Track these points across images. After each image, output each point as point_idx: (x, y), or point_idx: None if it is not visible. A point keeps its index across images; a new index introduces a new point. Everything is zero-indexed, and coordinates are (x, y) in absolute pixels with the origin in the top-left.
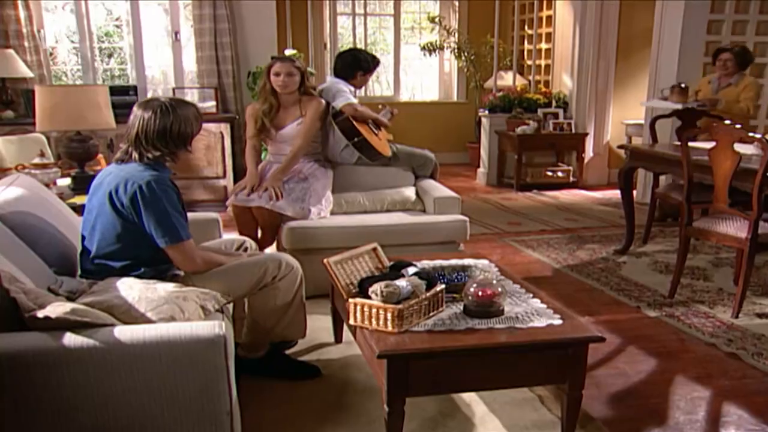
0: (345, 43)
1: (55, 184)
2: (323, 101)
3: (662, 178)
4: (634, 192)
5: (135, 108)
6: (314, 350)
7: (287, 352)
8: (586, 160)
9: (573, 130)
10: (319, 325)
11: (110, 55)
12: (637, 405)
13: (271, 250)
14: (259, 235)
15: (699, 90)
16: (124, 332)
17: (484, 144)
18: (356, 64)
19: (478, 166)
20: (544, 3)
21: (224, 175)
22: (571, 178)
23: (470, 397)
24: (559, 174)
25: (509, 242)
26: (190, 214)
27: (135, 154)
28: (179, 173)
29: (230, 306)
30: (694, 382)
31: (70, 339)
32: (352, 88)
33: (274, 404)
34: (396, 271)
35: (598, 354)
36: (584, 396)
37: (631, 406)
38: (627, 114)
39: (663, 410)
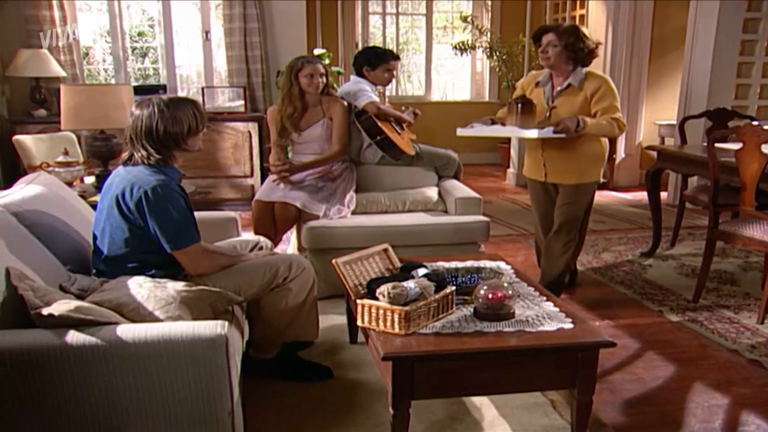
0: (377, 42)
1: (82, 181)
2: (345, 103)
3: (694, 179)
4: (665, 194)
5: (132, 107)
6: (329, 350)
7: (302, 352)
8: (617, 161)
9: None
10: (335, 325)
11: (144, 55)
12: (652, 412)
13: (292, 250)
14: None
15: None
16: (126, 331)
17: (513, 144)
18: (362, 60)
19: (508, 167)
20: (577, 2)
21: (251, 174)
22: (602, 180)
23: (481, 401)
24: None
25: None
26: (209, 213)
27: (135, 156)
28: (206, 171)
29: (244, 305)
30: (712, 389)
31: (73, 337)
32: (373, 86)
33: (283, 405)
34: (406, 272)
35: (615, 359)
36: (598, 401)
37: (644, 413)
38: (660, 114)
39: (678, 418)
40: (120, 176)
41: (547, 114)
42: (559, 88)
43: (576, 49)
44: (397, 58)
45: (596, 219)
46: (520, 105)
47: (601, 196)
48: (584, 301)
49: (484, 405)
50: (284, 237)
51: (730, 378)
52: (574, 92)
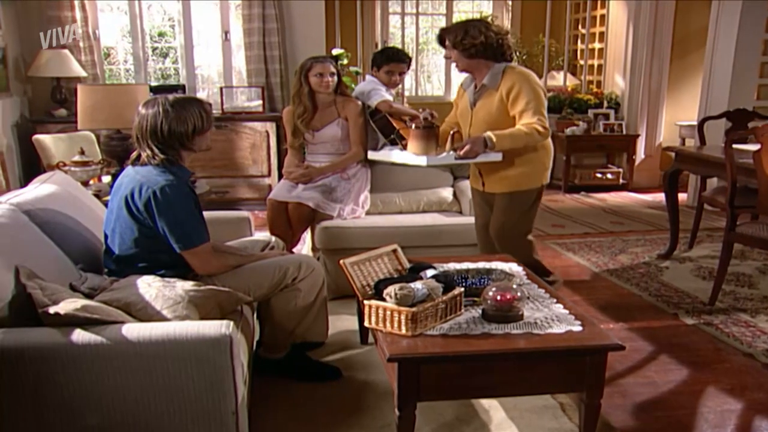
0: (396, 42)
1: (100, 180)
2: (359, 102)
3: (714, 180)
4: (684, 195)
5: (139, 107)
6: (339, 351)
7: (312, 352)
8: (636, 162)
9: (624, 132)
10: (346, 325)
11: (166, 55)
12: (663, 416)
13: (307, 250)
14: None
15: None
16: (131, 330)
17: None
18: (372, 60)
19: None
20: (598, 2)
21: (269, 174)
22: (621, 181)
23: (489, 403)
24: (609, 176)
25: (550, 245)
26: (222, 213)
27: (143, 155)
28: (223, 171)
29: (254, 305)
30: (726, 394)
31: (79, 335)
32: (385, 87)
33: (290, 405)
34: (415, 273)
35: (628, 362)
36: (608, 405)
37: (655, 418)
38: (681, 115)
39: (689, 423)
40: (129, 176)
41: (469, 120)
42: (479, 92)
43: (468, 47)
44: (401, 60)
45: (614, 220)
46: (420, 130)
47: (620, 198)
48: (598, 303)
49: (492, 407)
50: (302, 237)
51: (744, 382)
52: (491, 93)
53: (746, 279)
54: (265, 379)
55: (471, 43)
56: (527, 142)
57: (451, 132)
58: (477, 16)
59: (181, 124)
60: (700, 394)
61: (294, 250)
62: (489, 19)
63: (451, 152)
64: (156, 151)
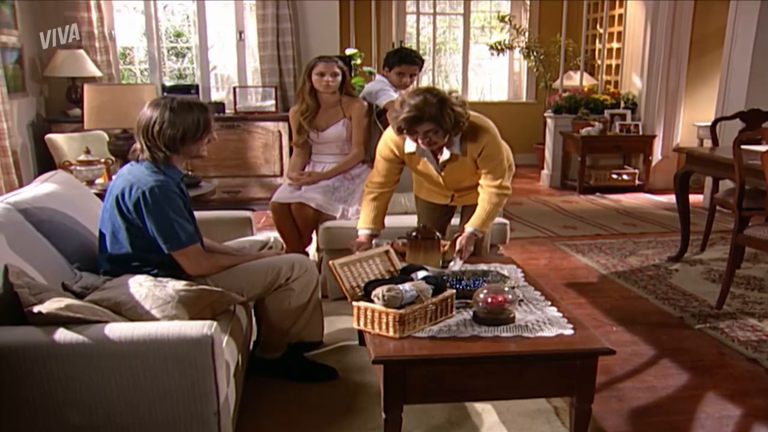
0: (412, 42)
1: (110, 179)
2: (365, 102)
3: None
4: (701, 197)
5: (146, 103)
6: (337, 352)
7: (309, 353)
8: (653, 163)
9: (640, 132)
10: (346, 326)
11: (183, 55)
12: (658, 422)
13: (313, 251)
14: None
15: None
16: (113, 330)
17: (548, 145)
18: (384, 60)
19: (542, 168)
20: (616, 1)
21: (281, 173)
22: (637, 182)
23: (482, 407)
24: (625, 177)
25: (560, 246)
26: (224, 213)
27: (137, 149)
28: (236, 170)
29: (249, 306)
30: (726, 399)
31: (61, 334)
32: (394, 88)
33: (283, 405)
34: (406, 274)
35: (627, 366)
36: (604, 409)
37: (650, 423)
38: (699, 115)
39: (685, 428)
40: (122, 177)
41: (440, 180)
42: (443, 159)
43: (459, 124)
44: (413, 62)
45: (627, 222)
46: (420, 240)
47: (635, 199)
48: (603, 306)
49: (485, 411)
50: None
51: (745, 388)
52: (461, 158)
53: (757, 282)
54: (260, 379)
55: (462, 122)
56: (498, 212)
57: (453, 238)
58: (494, 15)
59: (172, 127)
60: (699, 400)
61: (307, 250)
62: (506, 19)
63: (457, 258)
64: (144, 147)
